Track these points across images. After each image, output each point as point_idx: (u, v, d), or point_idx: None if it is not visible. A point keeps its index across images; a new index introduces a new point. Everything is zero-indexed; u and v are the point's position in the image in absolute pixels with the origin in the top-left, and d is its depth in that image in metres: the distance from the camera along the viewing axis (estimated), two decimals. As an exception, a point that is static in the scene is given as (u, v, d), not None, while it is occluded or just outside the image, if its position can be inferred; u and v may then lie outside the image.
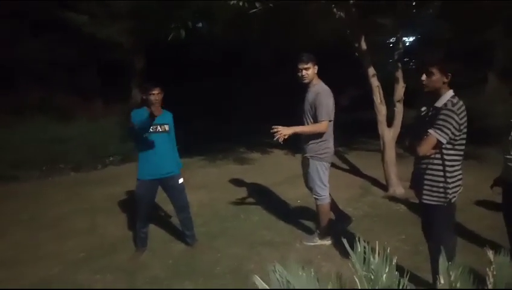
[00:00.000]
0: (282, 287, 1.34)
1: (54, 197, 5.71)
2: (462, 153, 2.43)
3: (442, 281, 1.39)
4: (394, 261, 1.35)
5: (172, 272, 3.33)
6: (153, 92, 3.36)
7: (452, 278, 1.38)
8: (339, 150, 4.49)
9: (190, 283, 3.14)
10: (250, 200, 5.12)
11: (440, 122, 2.32)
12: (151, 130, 3.37)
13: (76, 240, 4.12)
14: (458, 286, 1.36)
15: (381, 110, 5.12)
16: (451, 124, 2.30)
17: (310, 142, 3.50)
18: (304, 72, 3.41)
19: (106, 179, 6.61)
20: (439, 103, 2.40)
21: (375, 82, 5.07)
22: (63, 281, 3.25)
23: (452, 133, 2.31)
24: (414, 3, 5.14)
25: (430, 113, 2.44)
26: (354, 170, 6.42)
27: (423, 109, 2.55)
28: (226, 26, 8.04)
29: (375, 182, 5.67)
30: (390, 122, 5.25)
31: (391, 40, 6.11)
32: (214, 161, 7.58)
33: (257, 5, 4.38)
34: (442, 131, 2.31)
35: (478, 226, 3.87)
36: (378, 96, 5.09)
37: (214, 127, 10.32)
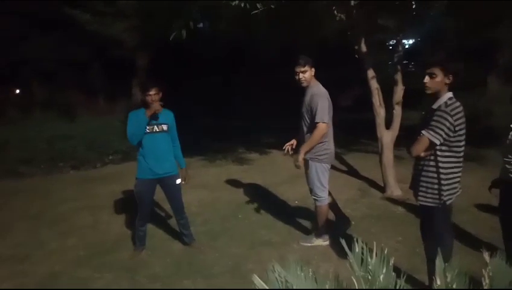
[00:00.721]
0: (280, 287, 1.36)
1: (57, 194, 5.74)
2: (459, 155, 2.43)
3: (438, 283, 1.42)
4: (391, 262, 1.38)
5: (171, 271, 3.36)
6: (150, 93, 3.37)
7: (448, 279, 1.40)
8: (337, 152, 4.51)
9: (189, 281, 3.17)
10: (249, 200, 5.14)
11: (433, 123, 2.34)
12: (147, 130, 3.39)
13: (78, 237, 4.15)
14: (454, 287, 1.39)
15: (380, 112, 5.14)
16: (444, 125, 2.31)
17: None
18: (301, 75, 3.43)
19: (107, 177, 6.63)
20: (435, 105, 2.43)
21: (374, 84, 5.09)
22: (64, 279, 3.28)
23: (446, 134, 2.32)
24: (414, 5, 5.16)
25: (428, 115, 2.46)
26: (352, 172, 6.44)
27: (423, 112, 2.58)
28: (229, 25, 8.07)
29: (373, 183, 5.69)
30: (388, 125, 5.27)
31: (391, 43, 6.12)
32: (213, 161, 7.60)
33: (259, 6, 4.40)
34: (435, 132, 2.33)
35: (477, 228, 3.90)
36: (377, 99, 5.11)
37: (216, 125, 10.34)
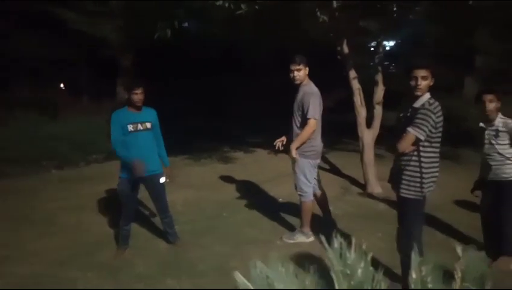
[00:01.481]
0: (262, 283, 1.40)
1: (40, 194, 5.63)
2: (438, 150, 2.63)
3: (414, 276, 1.49)
4: (369, 256, 1.44)
5: (156, 270, 3.36)
6: (136, 92, 3.37)
7: (423, 273, 1.48)
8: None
9: (173, 280, 3.17)
10: (234, 198, 5.17)
11: (418, 120, 2.51)
12: (131, 128, 3.38)
13: (60, 237, 4.09)
14: (429, 280, 1.46)
15: (361, 112, 5.26)
16: (428, 122, 2.49)
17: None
18: (296, 73, 3.54)
19: (91, 176, 6.54)
20: (417, 104, 2.59)
21: (356, 85, 5.20)
22: (45, 279, 3.24)
23: (429, 130, 2.51)
24: (395, 9, 5.29)
25: (409, 114, 2.62)
26: (334, 170, 6.55)
27: (401, 114, 2.72)
28: (216, 26, 8.08)
29: (354, 181, 5.82)
30: (369, 124, 5.40)
31: (372, 44, 6.26)
32: (198, 160, 7.60)
33: (243, 6, 4.43)
34: (420, 128, 2.50)
35: (453, 224, 4.05)
36: (358, 99, 5.23)
37: (201, 125, 10.32)
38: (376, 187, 5.26)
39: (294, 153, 3.56)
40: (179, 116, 9.47)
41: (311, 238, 3.77)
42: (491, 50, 9.66)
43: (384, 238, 3.77)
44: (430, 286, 1.45)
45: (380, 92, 5.34)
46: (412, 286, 1.47)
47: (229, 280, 3.05)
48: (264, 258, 1.57)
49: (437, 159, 2.64)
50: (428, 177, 2.60)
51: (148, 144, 3.49)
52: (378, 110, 5.37)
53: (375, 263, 1.46)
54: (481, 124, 3.27)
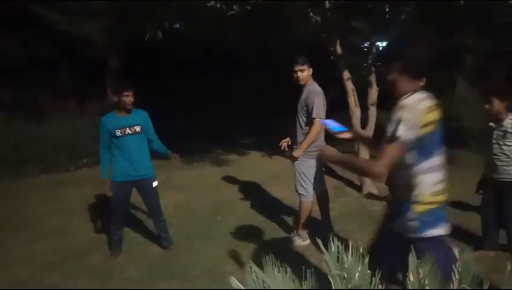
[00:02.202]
0: (257, 288, 1.35)
1: (25, 198, 5.51)
2: None
3: (411, 279, 1.45)
4: (366, 260, 1.40)
5: (148, 275, 3.29)
6: (127, 94, 3.31)
7: (421, 275, 1.44)
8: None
9: (166, 285, 3.11)
10: (227, 201, 5.11)
11: None
12: (119, 133, 3.32)
13: (48, 242, 3.99)
14: (427, 282, 1.43)
15: (356, 112, 5.25)
16: None
17: (300, 141, 3.60)
18: (299, 73, 3.54)
19: (80, 180, 6.42)
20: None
21: (350, 85, 5.19)
22: (31, 285, 3.15)
23: None
24: (387, 8, 5.30)
25: None
26: (329, 171, 6.52)
27: None
28: (206, 26, 8.02)
29: (349, 183, 5.80)
30: (364, 125, 5.39)
31: (366, 45, 6.27)
32: (191, 163, 7.52)
33: (235, 7, 4.40)
34: None
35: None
36: (352, 99, 5.21)
37: (193, 127, 10.24)
38: (371, 188, 5.25)
39: (301, 153, 3.53)
40: (168, 118, 9.39)
41: (307, 241, 3.73)
42: (477, 49, 9.78)
43: (379, 240, 3.74)
44: (427, 287, 1.42)
45: (374, 92, 5.34)
46: (410, 288, 1.44)
47: (223, 284, 3.00)
48: (259, 262, 1.52)
49: None
50: None
51: (137, 148, 3.42)
52: (372, 111, 5.36)
53: (372, 266, 1.43)
54: (491, 124, 3.26)
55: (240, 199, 5.24)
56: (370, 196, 5.12)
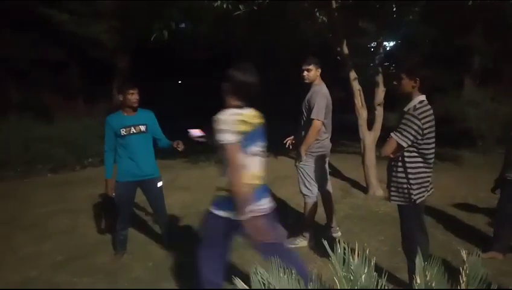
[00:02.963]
0: (263, 289, 1.35)
1: (33, 198, 5.56)
2: (428, 157, 2.49)
3: (418, 281, 1.44)
4: (373, 262, 1.39)
5: (152, 275, 3.29)
6: (131, 92, 3.33)
7: (428, 277, 1.43)
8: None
9: (171, 285, 3.11)
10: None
11: (401, 126, 2.41)
12: (124, 132, 3.32)
13: (55, 242, 4.02)
14: (434, 285, 1.41)
15: (362, 113, 5.21)
16: (412, 128, 2.37)
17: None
18: (306, 72, 3.56)
19: (86, 180, 6.48)
20: (406, 107, 2.50)
21: (356, 86, 5.16)
22: (39, 284, 3.17)
23: (414, 136, 2.38)
24: (395, 9, 5.27)
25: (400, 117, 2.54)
26: (335, 172, 6.50)
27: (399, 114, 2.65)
28: (211, 27, 8.04)
29: (355, 184, 5.76)
30: (370, 126, 5.35)
31: (372, 45, 6.24)
32: (196, 162, 7.54)
33: (241, 7, 4.39)
34: (402, 135, 2.39)
35: (455, 226, 4.00)
36: (359, 100, 5.18)
37: (198, 127, 10.27)
38: (378, 190, 5.21)
39: (303, 154, 3.55)
40: (173, 118, 9.41)
41: (312, 243, 3.71)
42: (485, 50, 9.68)
43: (386, 241, 3.72)
44: (435, 289, 1.41)
45: (380, 93, 5.30)
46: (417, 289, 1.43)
47: (228, 285, 3.00)
48: (263, 263, 1.52)
49: (428, 166, 2.51)
50: (417, 184, 2.48)
51: (142, 148, 3.42)
52: (379, 112, 5.33)
53: (378, 267, 1.41)
54: None
55: (245, 199, 5.23)
56: (371, 198, 5.07)
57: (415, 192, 2.49)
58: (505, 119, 6.83)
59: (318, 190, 3.71)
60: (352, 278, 1.36)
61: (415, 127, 2.36)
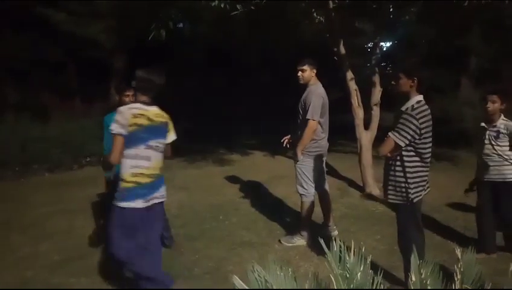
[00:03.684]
0: (260, 287, 1.36)
1: (30, 198, 5.54)
2: (425, 156, 2.52)
3: (413, 279, 1.46)
4: (369, 260, 1.40)
5: (150, 274, 3.29)
6: (128, 94, 3.34)
7: (423, 275, 1.45)
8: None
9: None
10: (230, 201, 5.12)
11: (399, 125, 2.43)
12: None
13: (53, 242, 4.00)
14: (429, 283, 1.43)
15: (359, 113, 5.24)
16: (410, 128, 2.39)
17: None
18: (300, 73, 3.60)
19: (84, 180, 6.46)
20: (404, 107, 2.52)
21: (353, 86, 5.18)
22: (36, 285, 3.16)
23: (411, 136, 2.41)
24: (391, 9, 5.29)
25: (396, 117, 2.56)
26: (332, 172, 6.52)
27: (395, 115, 2.67)
28: (210, 27, 8.04)
29: (352, 183, 5.78)
30: (367, 126, 5.37)
31: (369, 45, 6.26)
32: (193, 162, 7.54)
33: (238, 7, 4.41)
34: (400, 134, 2.42)
35: (451, 226, 4.03)
36: (355, 100, 5.21)
37: (195, 127, 10.26)
38: (374, 189, 5.23)
39: (300, 154, 3.57)
40: (173, 118, 9.42)
41: (309, 241, 3.72)
42: (482, 51, 9.73)
43: (382, 240, 3.74)
44: (429, 287, 1.43)
45: (377, 93, 5.33)
46: (412, 288, 1.44)
47: (225, 283, 3.00)
48: (260, 261, 1.53)
49: (425, 165, 2.54)
50: (413, 183, 2.51)
51: None
52: (375, 111, 5.35)
53: (374, 266, 1.43)
54: (482, 124, 3.25)
55: (242, 198, 5.25)
56: (367, 198, 5.09)
57: (412, 191, 2.51)
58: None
59: (315, 189, 3.72)
60: (348, 276, 1.38)
61: (413, 127, 2.38)
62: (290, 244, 3.72)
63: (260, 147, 8.40)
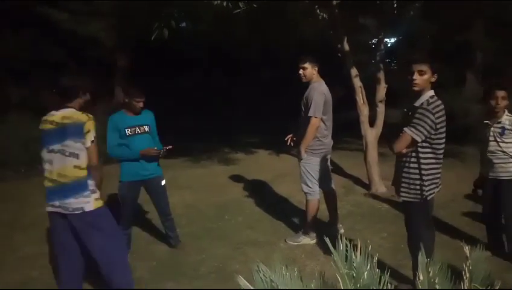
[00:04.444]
0: (266, 287, 1.35)
1: (33, 198, 5.55)
2: (440, 152, 2.48)
3: (421, 278, 1.43)
4: (375, 258, 1.38)
5: (156, 274, 3.30)
6: (138, 100, 3.37)
7: (431, 274, 1.42)
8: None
9: (174, 284, 3.12)
10: (235, 200, 5.12)
11: (415, 120, 2.37)
12: (129, 132, 3.35)
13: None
14: (437, 281, 1.41)
15: (364, 110, 5.20)
16: (426, 123, 2.35)
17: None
18: (301, 70, 3.58)
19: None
20: (417, 102, 2.46)
21: (357, 82, 5.14)
22: (40, 285, 3.18)
23: (428, 131, 2.36)
24: (395, 5, 5.24)
25: (410, 113, 2.50)
26: (337, 169, 6.49)
27: (405, 109, 2.62)
28: (211, 25, 8.03)
29: (357, 181, 5.75)
30: (372, 123, 5.34)
31: (373, 41, 6.22)
32: (198, 161, 7.54)
33: (241, 5, 4.39)
34: (417, 129, 2.36)
35: (458, 223, 3.99)
36: (360, 97, 5.17)
37: (198, 126, 10.27)
38: (380, 187, 5.20)
39: (303, 152, 3.56)
40: (174, 117, 9.41)
41: (315, 240, 3.71)
42: (487, 47, 9.64)
43: (388, 238, 3.71)
44: (437, 287, 1.40)
45: (382, 89, 5.28)
46: (420, 287, 1.42)
47: (231, 283, 2.99)
48: (266, 261, 1.52)
49: (439, 161, 2.49)
50: (428, 180, 2.47)
51: (146, 147, 3.44)
52: (380, 108, 5.31)
53: (381, 264, 1.41)
54: (486, 121, 3.20)
55: (247, 197, 5.24)
56: (373, 196, 5.06)
57: (426, 188, 2.47)
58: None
59: (321, 187, 3.70)
60: (354, 275, 1.36)
61: (429, 122, 2.34)
62: (296, 243, 3.71)
63: (264, 146, 8.38)
